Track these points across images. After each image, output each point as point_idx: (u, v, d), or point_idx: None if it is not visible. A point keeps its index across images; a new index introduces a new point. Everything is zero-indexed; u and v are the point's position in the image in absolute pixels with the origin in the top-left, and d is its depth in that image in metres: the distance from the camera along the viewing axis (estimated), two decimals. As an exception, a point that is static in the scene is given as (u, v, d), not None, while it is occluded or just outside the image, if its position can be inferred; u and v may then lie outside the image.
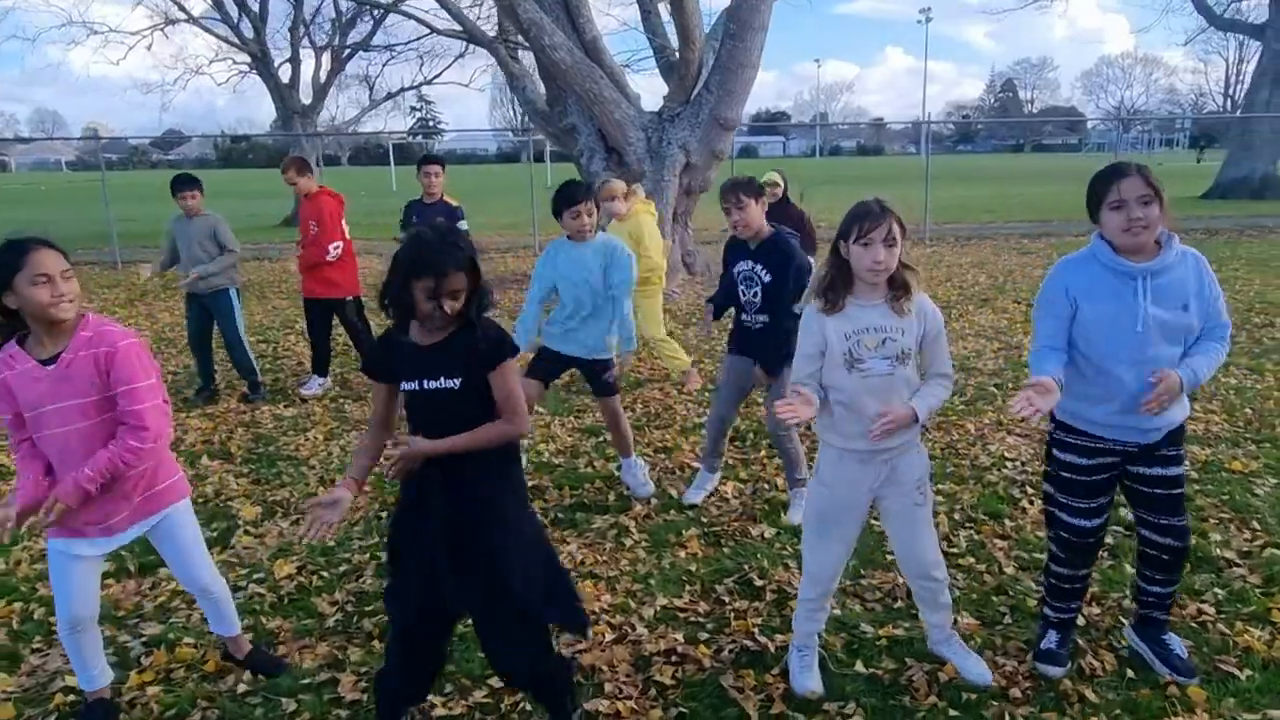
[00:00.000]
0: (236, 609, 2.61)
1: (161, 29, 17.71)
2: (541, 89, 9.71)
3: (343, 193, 5.26)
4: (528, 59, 10.60)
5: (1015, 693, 2.16)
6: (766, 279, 3.05)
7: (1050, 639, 2.28)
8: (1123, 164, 1.98)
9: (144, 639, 2.53)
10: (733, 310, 3.28)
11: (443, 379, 1.74)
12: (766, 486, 3.58)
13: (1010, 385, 4.96)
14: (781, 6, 8.05)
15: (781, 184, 5.10)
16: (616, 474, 3.70)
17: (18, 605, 2.76)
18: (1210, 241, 11.27)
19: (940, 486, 3.47)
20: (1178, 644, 2.25)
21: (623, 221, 4.83)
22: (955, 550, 2.94)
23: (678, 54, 8.62)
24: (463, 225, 4.94)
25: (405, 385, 1.79)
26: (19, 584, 2.90)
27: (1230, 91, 43.03)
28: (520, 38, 10.14)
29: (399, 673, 1.90)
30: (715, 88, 8.23)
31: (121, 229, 12.44)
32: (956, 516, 3.23)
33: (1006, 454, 3.87)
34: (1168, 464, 2.12)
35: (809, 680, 2.18)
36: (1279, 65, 17.00)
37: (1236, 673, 2.20)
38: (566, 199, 3.22)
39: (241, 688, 2.28)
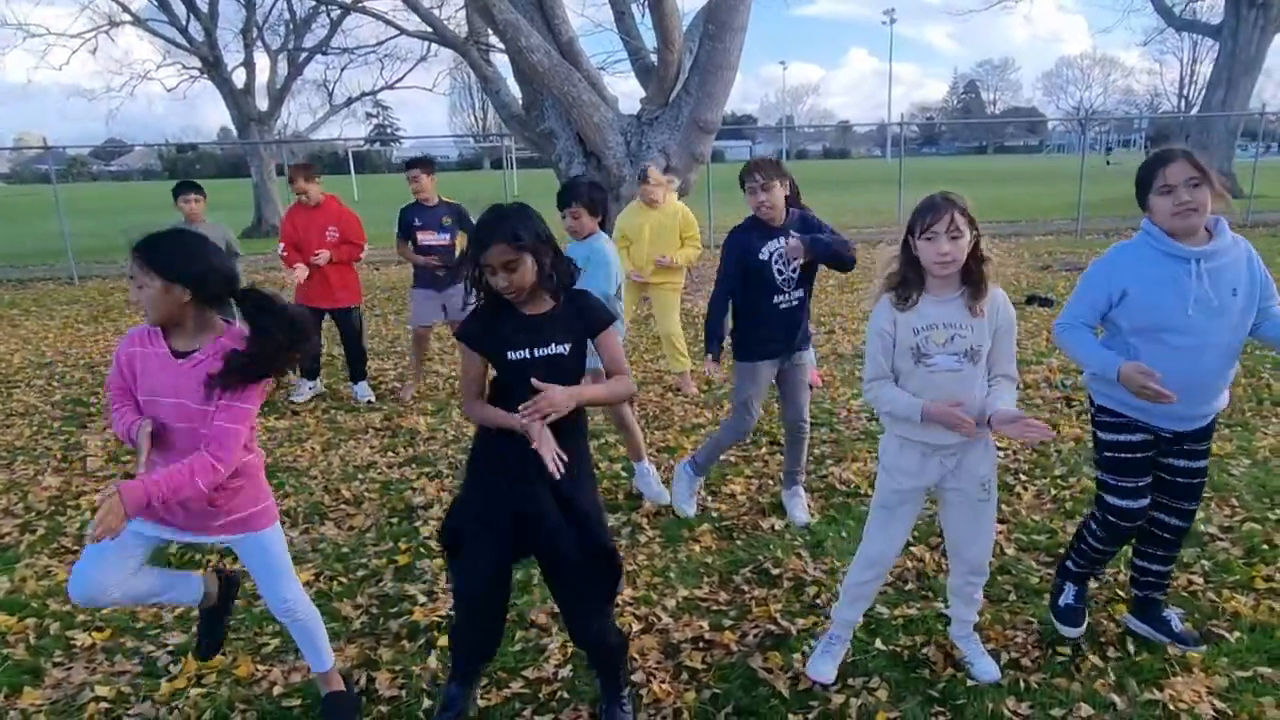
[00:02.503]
0: (259, 616, 2.61)
1: (106, 31, 17.04)
2: (517, 93, 9.66)
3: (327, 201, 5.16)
4: (500, 61, 10.57)
5: (1026, 661, 2.28)
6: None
7: (1069, 594, 2.33)
8: (1169, 149, 2.02)
9: (169, 648, 2.51)
10: (744, 310, 3.11)
11: (554, 345, 1.87)
12: (772, 482, 3.66)
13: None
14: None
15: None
16: (624, 477, 3.74)
17: (31, 620, 2.69)
18: None
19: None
20: (1175, 618, 2.36)
21: (662, 209, 4.85)
22: (958, 534, 3.07)
23: (655, 56, 8.64)
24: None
25: (513, 354, 1.86)
26: (29, 600, 2.83)
27: (1184, 92, 44.59)
28: (492, 39, 10.09)
29: (473, 626, 1.99)
30: (694, 90, 8.26)
31: (75, 244, 11.98)
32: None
33: (998, 444, 3.98)
34: (1195, 457, 2.17)
35: (825, 666, 2.20)
36: (1234, 65, 17.53)
37: (1227, 635, 2.35)
38: (560, 199, 3.28)
39: (277, 690, 2.27)
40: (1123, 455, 2.17)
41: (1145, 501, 2.20)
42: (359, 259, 5.05)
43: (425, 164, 5.14)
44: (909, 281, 2.01)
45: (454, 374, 5.72)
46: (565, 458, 1.79)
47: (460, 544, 1.94)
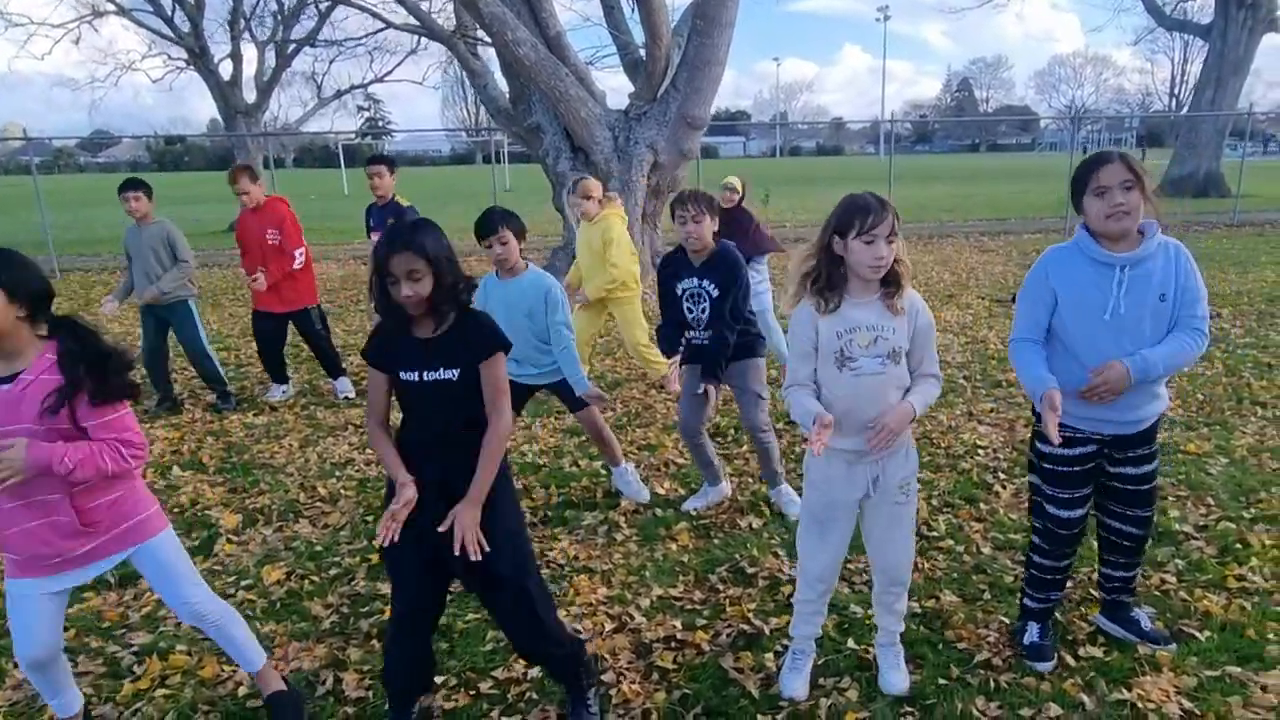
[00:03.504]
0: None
1: (89, 21, 16.82)
2: (504, 87, 9.59)
3: (292, 196, 5.11)
4: (488, 55, 10.49)
5: (996, 661, 2.28)
6: (714, 294, 3.06)
7: (1033, 631, 2.31)
8: (1106, 151, 2.02)
9: (134, 649, 2.48)
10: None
11: (442, 370, 1.81)
12: (750, 480, 3.66)
13: (978, 377, 5.17)
14: (741, 2, 8.09)
15: (740, 191, 5.10)
16: (603, 474, 3.73)
17: None
18: None
19: (919, 475, 3.58)
20: (1145, 617, 2.38)
21: (594, 224, 4.77)
22: (935, 534, 3.06)
23: (643, 51, 8.61)
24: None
25: (405, 375, 1.83)
26: None
27: (1175, 91, 44.71)
28: (480, 33, 10.02)
29: (402, 664, 1.95)
30: (682, 86, 8.23)
31: (57, 236, 11.85)
32: (934, 502, 3.36)
33: (979, 442, 4.03)
34: (1140, 463, 2.16)
35: (796, 683, 2.19)
36: (1223, 65, 17.57)
37: (1198, 634, 2.36)
38: (479, 229, 2.98)
39: (243, 691, 2.25)
40: (1062, 468, 2.17)
41: (1084, 510, 2.22)
42: (289, 270, 4.79)
43: (387, 161, 5.11)
44: (831, 283, 1.95)
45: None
46: (479, 544, 1.74)
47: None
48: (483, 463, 1.81)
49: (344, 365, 5.27)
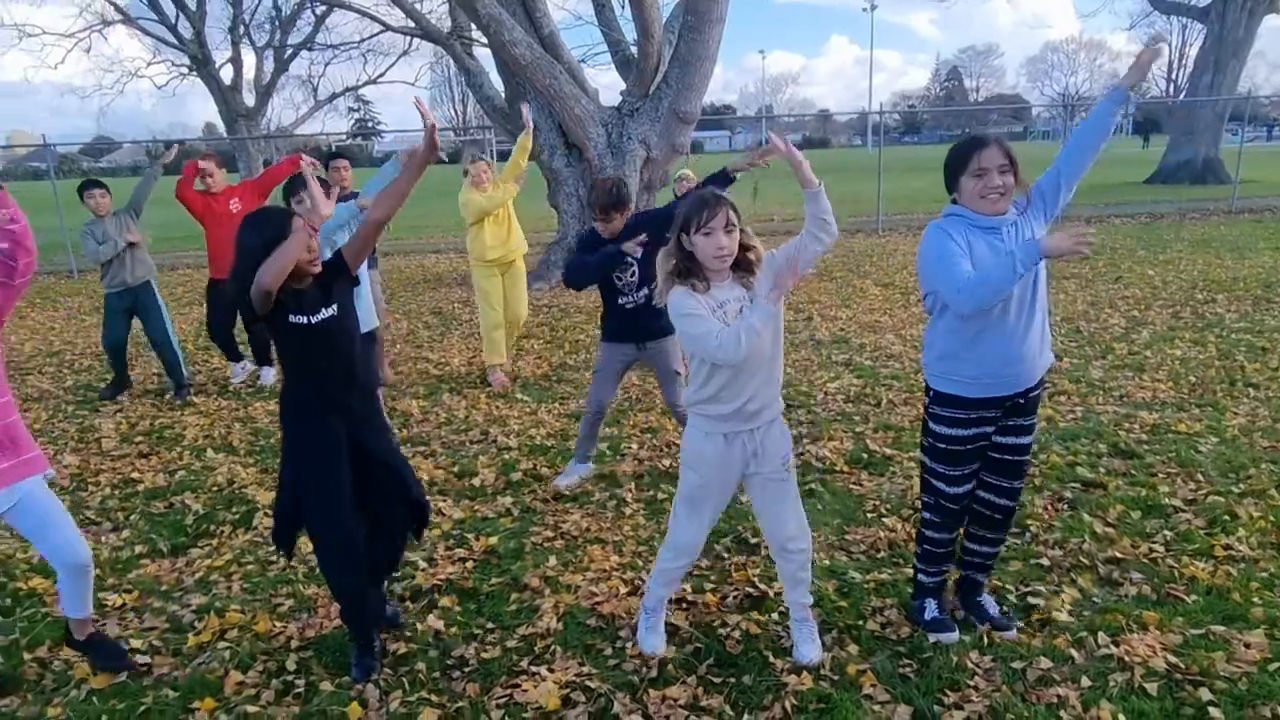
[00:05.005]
0: (274, 580, 2.81)
1: (99, 30, 17.03)
2: (499, 86, 9.74)
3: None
4: (482, 55, 10.62)
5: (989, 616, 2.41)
6: (638, 254, 3.20)
7: (931, 608, 2.39)
8: (982, 135, 2.13)
9: (192, 608, 2.69)
10: (603, 301, 3.43)
11: (330, 309, 2.12)
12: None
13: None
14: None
15: (694, 181, 5.33)
16: (609, 454, 3.89)
17: None
18: (1154, 225, 11.79)
19: (911, 454, 3.72)
20: (991, 604, 2.43)
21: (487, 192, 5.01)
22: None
23: (635, 48, 8.71)
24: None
25: (296, 319, 2.08)
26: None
27: (1173, 76, 43.95)
28: (475, 33, 10.16)
29: (356, 594, 2.24)
30: (674, 81, 8.36)
31: (71, 239, 11.96)
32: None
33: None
34: (1021, 433, 2.25)
35: (654, 640, 2.31)
36: (1221, 48, 17.22)
37: (1184, 597, 2.46)
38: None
39: (294, 643, 2.43)
40: (955, 448, 2.24)
41: (971, 485, 2.31)
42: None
43: (350, 157, 5.55)
44: (691, 273, 2.05)
45: (441, 359, 5.86)
46: None
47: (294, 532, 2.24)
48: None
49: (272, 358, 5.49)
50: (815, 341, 6.01)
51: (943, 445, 2.26)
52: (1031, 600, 2.51)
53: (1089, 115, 2.20)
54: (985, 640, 2.31)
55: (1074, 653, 2.24)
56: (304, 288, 2.09)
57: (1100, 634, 2.30)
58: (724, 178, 3.21)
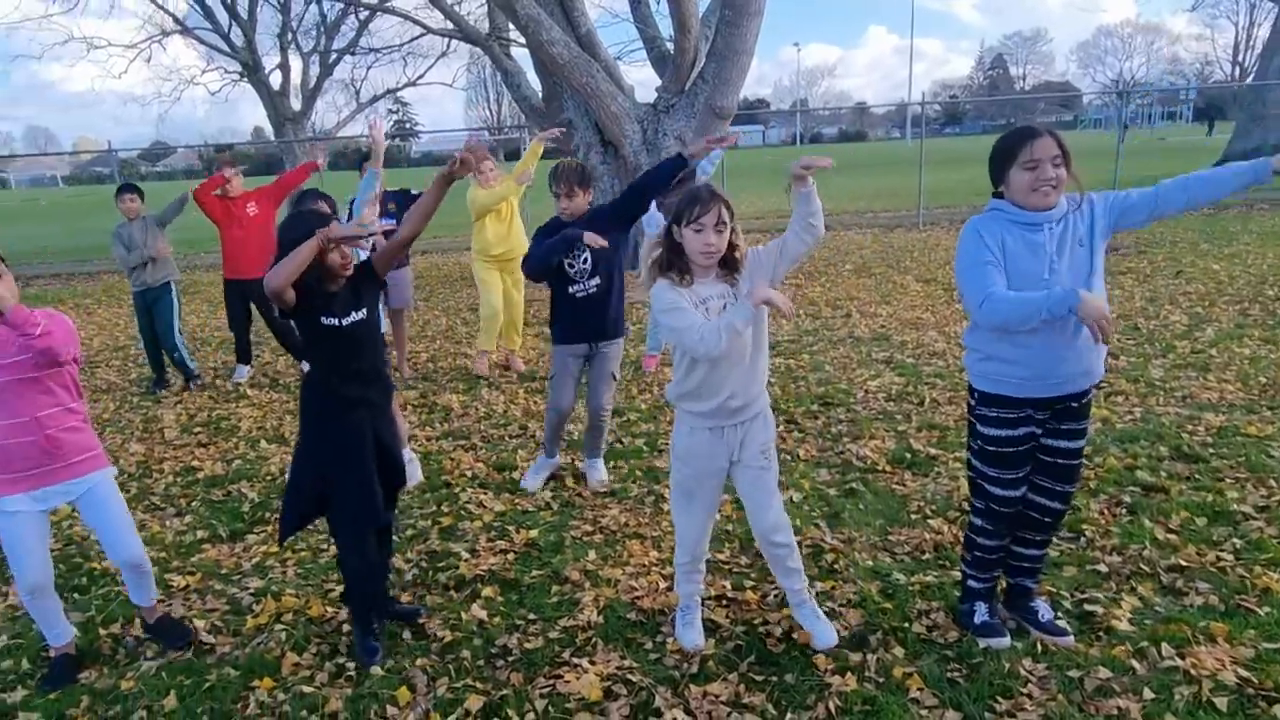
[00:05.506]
0: (325, 566, 2.91)
1: (159, 41, 17.80)
2: (537, 86, 9.82)
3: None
4: (520, 55, 10.74)
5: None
6: (597, 245, 3.15)
7: (982, 611, 2.33)
8: (1035, 125, 2.04)
9: (250, 591, 2.80)
10: (553, 297, 3.37)
11: (360, 312, 2.23)
12: (788, 457, 3.75)
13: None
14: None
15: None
16: (645, 451, 3.89)
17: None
18: (1218, 217, 11.24)
19: (956, 455, 3.64)
20: (1045, 609, 2.33)
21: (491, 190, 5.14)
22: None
23: (671, 43, 8.67)
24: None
25: (328, 320, 2.19)
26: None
27: (1240, 58, 41.41)
28: (513, 34, 10.27)
29: (373, 577, 2.38)
30: (710, 76, 8.29)
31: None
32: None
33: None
34: (1074, 437, 2.16)
35: (692, 635, 2.31)
36: None
37: (1256, 609, 2.33)
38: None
39: (345, 628, 2.50)
40: (1005, 450, 2.16)
41: (1023, 489, 2.23)
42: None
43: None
44: (675, 267, 2.05)
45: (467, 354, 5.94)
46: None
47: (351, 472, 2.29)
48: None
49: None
50: (854, 338, 5.92)
51: (992, 448, 2.18)
52: (1088, 608, 2.42)
53: (1220, 171, 2.06)
54: (1039, 648, 2.23)
55: (1135, 663, 2.15)
56: (337, 290, 2.19)
57: (1164, 645, 2.20)
58: (679, 161, 3.10)
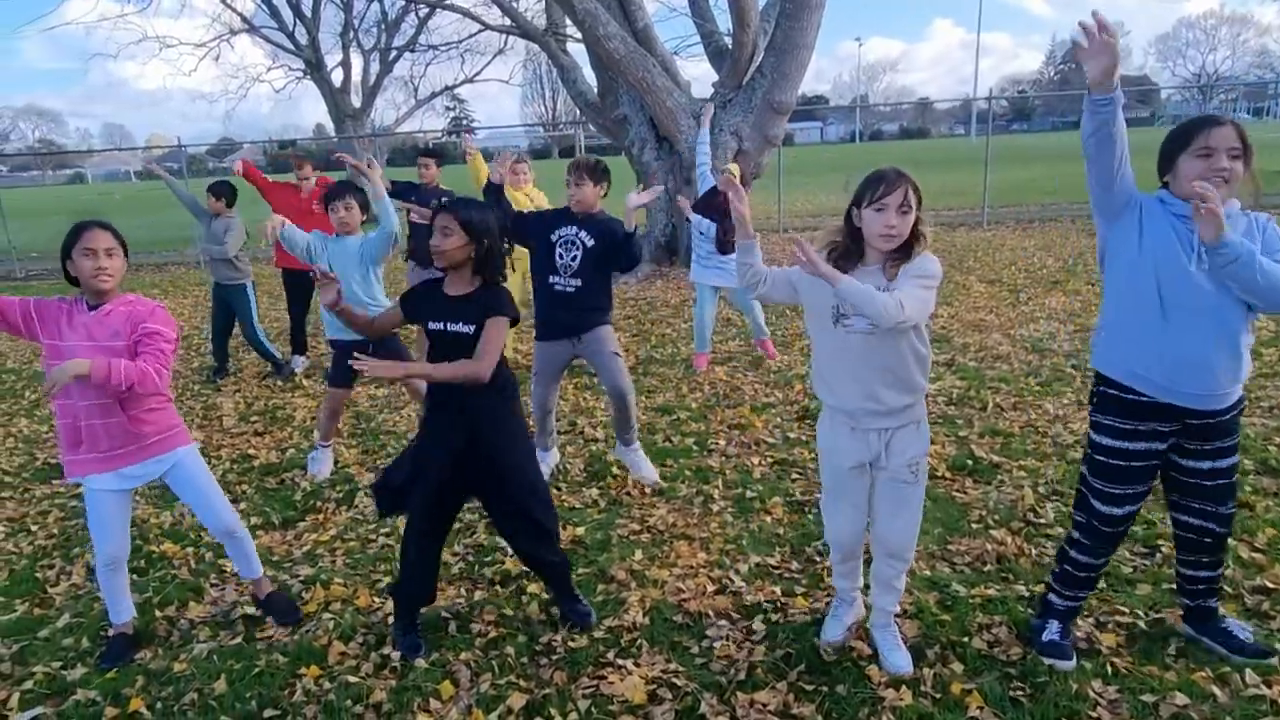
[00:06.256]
0: (373, 557, 2.93)
1: (227, 40, 18.60)
2: (592, 81, 9.83)
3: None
4: (576, 50, 10.77)
5: (1114, 645, 2.20)
6: (590, 244, 3.20)
7: (1053, 629, 2.20)
8: (1216, 114, 1.90)
9: (300, 579, 2.86)
10: (534, 286, 3.37)
11: (460, 324, 2.20)
12: (844, 458, 3.67)
13: (1088, 367, 4.92)
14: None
15: (738, 174, 5.15)
16: (695, 450, 3.83)
17: (190, 549, 3.14)
18: None
19: (1022, 463, 3.49)
20: (1238, 628, 2.18)
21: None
22: (1043, 521, 2.98)
23: (729, 38, 8.59)
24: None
25: (432, 325, 2.23)
26: (187, 531, 3.29)
27: None
28: (569, 29, 10.31)
29: (414, 579, 2.34)
30: (769, 71, 8.18)
31: (198, 233, 13.12)
32: (1041, 490, 3.25)
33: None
34: (1221, 456, 1.99)
35: (834, 630, 2.27)
36: None
37: None
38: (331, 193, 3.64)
39: (391, 619, 2.52)
40: (1118, 462, 2.01)
41: (1134, 509, 2.07)
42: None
43: (436, 155, 5.87)
44: (849, 253, 1.98)
45: (530, 351, 5.97)
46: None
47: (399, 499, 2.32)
48: (445, 366, 2.16)
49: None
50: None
51: (1102, 458, 2.04)
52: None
53: None
54: (1109, 669, 2.11)
55: (1216, 690, 2.01)
56: (456, 297, 2.22)
57: (1248, 672, 2.05)
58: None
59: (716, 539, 2.97)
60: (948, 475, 3.43)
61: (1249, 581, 2.48)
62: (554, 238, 3.27)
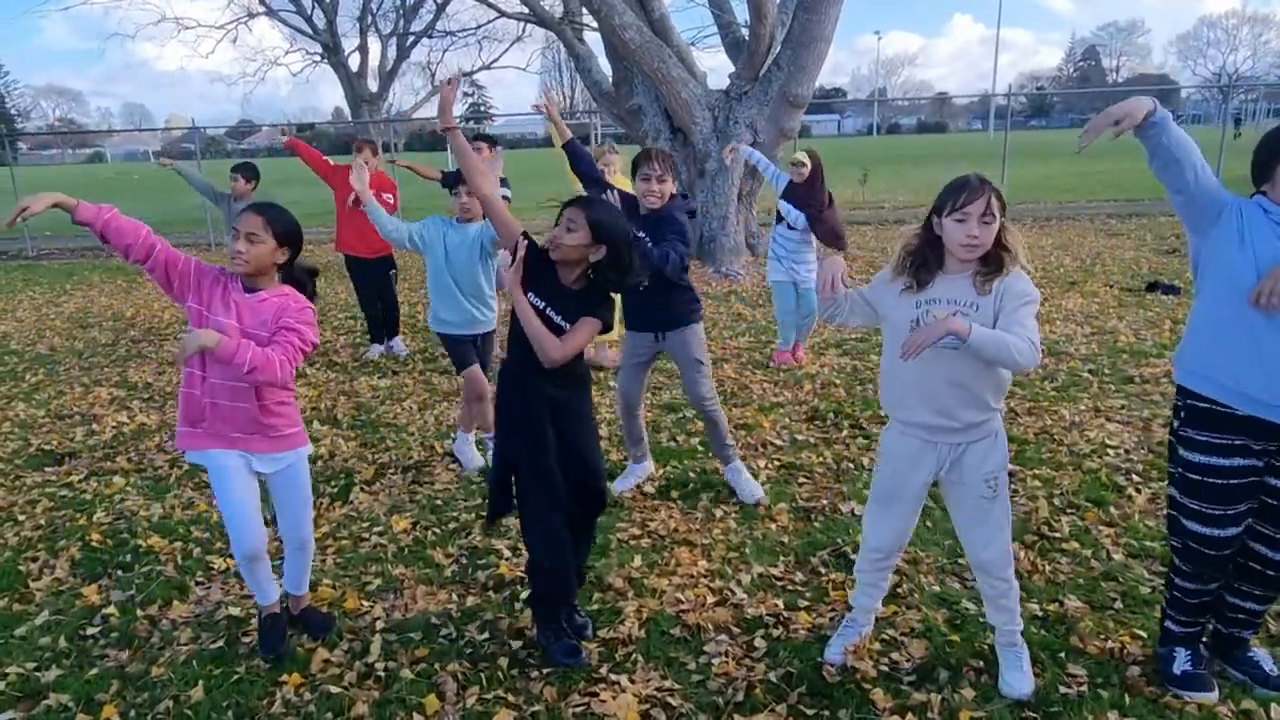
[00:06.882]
0: (365, 557, 2.86)
1: (245, 23, 18.59)
2: (608, 70, 9.72)
3: (404, 177, 5.70)
4: (592, 39, 10.64)
5: (1132, 673, 2.10)
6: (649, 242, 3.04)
7: (1182, 659, 2.06)
8: None
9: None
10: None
11: (558, 315, 2.12)
12: (852, 465, 3.56)
13: (1105, 371, 4.77)
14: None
15: (809, 164, 4.92)
16: (702, 451, 3.73)
17: (178, 544, 3.05)
18: None
19: (1036, 471, 3.38)
20: (1267, 659, 2.07)
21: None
22: (1058, 535, 2.87)
23: (746, 29, 8.49)
24: (507, 194, 5.25)
25: (533, 297, 2.12)
26: (176, 525, 3.20)
27: None
28: (586, 18, 10.18)
29: (559, 573, 2.22)
30: (786, 63, 8.06)
31: (212, 214, 13.12)
32: (1056, 502, 3.14)
33: (1108, 441, 3.72)
34: None
35: (835, 649, 2.20)
36: None
37: None
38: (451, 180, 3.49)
39: (379, 624, 2.45)
40: (1214, 481, 1.88)
41: (1236, 530, 1.92)
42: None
43: (490, 140, 5.74)
44: (927, 263, 1.90)
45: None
46: None
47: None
48: (540, 324, 2.09)
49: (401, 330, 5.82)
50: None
51: (1195, 476, 1.91)
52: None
53: None
54: (1126, 699, 2.00)
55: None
56: (564, 285, 2.12)
57: (1273, 705, 1.94)
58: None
59: (719, 546, 2.87)
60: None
61: (1275, 607, 2.34)
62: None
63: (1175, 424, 1.97)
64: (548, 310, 2.11)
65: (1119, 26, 77.98)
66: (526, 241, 2.12)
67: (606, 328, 2.17)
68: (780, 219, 4.94)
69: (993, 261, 1.86)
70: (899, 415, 2.04)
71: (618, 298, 2.99)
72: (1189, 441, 1.92)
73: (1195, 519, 1.93)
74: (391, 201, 5.61)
